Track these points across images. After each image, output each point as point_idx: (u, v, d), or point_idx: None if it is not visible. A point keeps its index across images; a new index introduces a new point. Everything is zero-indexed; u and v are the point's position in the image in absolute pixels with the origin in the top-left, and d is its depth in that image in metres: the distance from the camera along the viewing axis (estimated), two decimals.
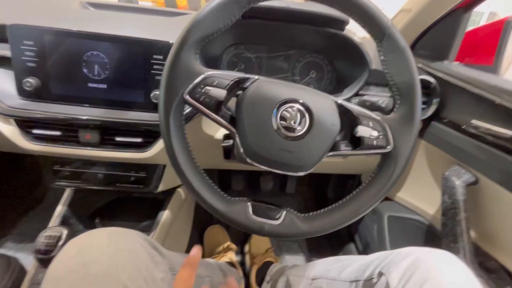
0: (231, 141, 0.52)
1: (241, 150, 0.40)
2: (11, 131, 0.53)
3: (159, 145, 0.56)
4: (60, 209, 0.62)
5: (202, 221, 0.99)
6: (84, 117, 0.52)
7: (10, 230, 0.85)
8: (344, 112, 0.41)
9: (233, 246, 0.94)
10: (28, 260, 0.52)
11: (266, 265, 0.86)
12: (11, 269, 0.53)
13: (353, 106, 0.41)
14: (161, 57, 0.52)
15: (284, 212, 0.40)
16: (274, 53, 0.67)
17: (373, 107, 0.56)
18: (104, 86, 0.54)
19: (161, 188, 0.64)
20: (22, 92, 0.52)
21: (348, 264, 0.55)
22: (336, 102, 0.40)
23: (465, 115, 0.54)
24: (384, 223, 0.74)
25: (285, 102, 0.38)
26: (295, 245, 1.05)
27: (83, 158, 0.56)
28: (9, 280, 0.52)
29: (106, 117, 0.52)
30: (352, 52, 0.60)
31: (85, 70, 0.53)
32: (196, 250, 0.41)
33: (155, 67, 0.53)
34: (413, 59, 0.39)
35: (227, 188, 1.19)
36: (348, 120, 0.42)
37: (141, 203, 0.78)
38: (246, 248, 0.98)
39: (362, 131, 0.39)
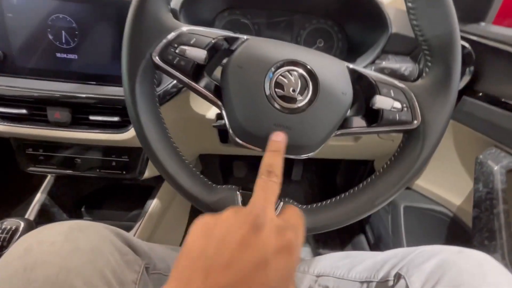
0: (223, 121, 0.45)
1: (230, 130, 0.32)
2: None
3: None
4: (39, 197, 0.56)
5: (201, 211, 0.93)
6: (51, 93, 0.45)
7: None
8: (357, 80, 0.32)
9: None
10: None
11: None
12: None
13: (369, 72, 0.32)
14: None
15: (281, 203, 0.33)
16: (275, 19, 0.58)
17: (394, 76, 0.47)
18: (74, 56, 0.46)
19: (147, 174, 0.57)
20: None
21: (358, 261, 0.48)
22: (348, 67, 0.32)
23: (507, 86, 0.44)
24: (400, 214, 0.66)
25: (282, 64, 0.30)
26: None
27: (53, 140, 0.49)
28: None
29: (77, 92, 0.45)
30: (368, 13, 0.50)
31: (51, 37, 0.45)
32: (281, 135, 0.28)
33: None
34: (453, 5, 0.30)
35: (229, 175, 1.12)
36: (363, 89, 0.33)
37: (133, 191, 0.72)
38: None
39: (381, 102, 0.31)
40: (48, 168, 0.53)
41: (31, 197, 0.89)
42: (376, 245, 0.77)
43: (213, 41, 0.31)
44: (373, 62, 0.50)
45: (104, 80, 0.47)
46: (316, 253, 0.94)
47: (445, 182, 0.60)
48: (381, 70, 0.48)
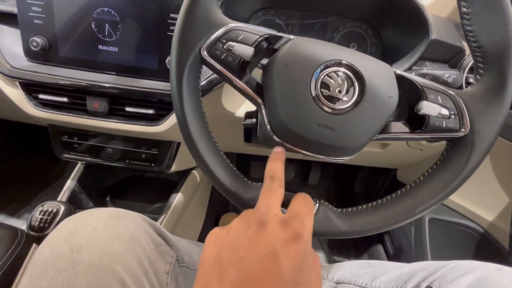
0: (253, 120, 0.45)
1: (268, 127, 0.32)
2: (16, 95, 0.49)
3: (173, 118, 0.50)
4: (69, 183, 0.58)
5: (218, 207, 0.94)
6: (91, 83, 0.46)
7: (24, 203, 0.85)
8: (401, 84, 0.32)
9: None
10: None
11: None
12: (17, 241, 0.50)
13: (415, 77, 0.32)
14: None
15: (317, 205, 0.32)
16: (309, 20, 0.58)
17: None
18: (115, 49, 0.48)
19: (174, 168, 0.58)
20: (29, 53, 0.48)
21: (383, 271, 0.47)
22: (394, 72, 0.32)
23: None
24: (425, 226, 0.64)
25: (330, 65, 0.30)
26: (315, 241, 0.98)
27: (90, 129, 0.51)
28: (14, 251, 0.49)
29: (116, 84, 0.47)
30: (408, 18, 0.49)
31: (95, 30, 0.47)
32: (281, 148, 0.32)
33: (171, 28, 0.46)
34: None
35: (245, 175, 1.13)
36: (407, 94, 0.33)
37: (155, 184, 0.74)
38: None
39: (428, 108, 0.30)
40: (81, 156, 0.55)
41: (55, 183, 0.93)
42: (396, 257, 0.75)
43: (259, 39, 0.31)
44: (409, 69, 0.49)
45: (142, 73, 0.48)
46: (330, 260, 0.92)
47: (476, 196, 0.58)
48: (423, 76, 0.47)
